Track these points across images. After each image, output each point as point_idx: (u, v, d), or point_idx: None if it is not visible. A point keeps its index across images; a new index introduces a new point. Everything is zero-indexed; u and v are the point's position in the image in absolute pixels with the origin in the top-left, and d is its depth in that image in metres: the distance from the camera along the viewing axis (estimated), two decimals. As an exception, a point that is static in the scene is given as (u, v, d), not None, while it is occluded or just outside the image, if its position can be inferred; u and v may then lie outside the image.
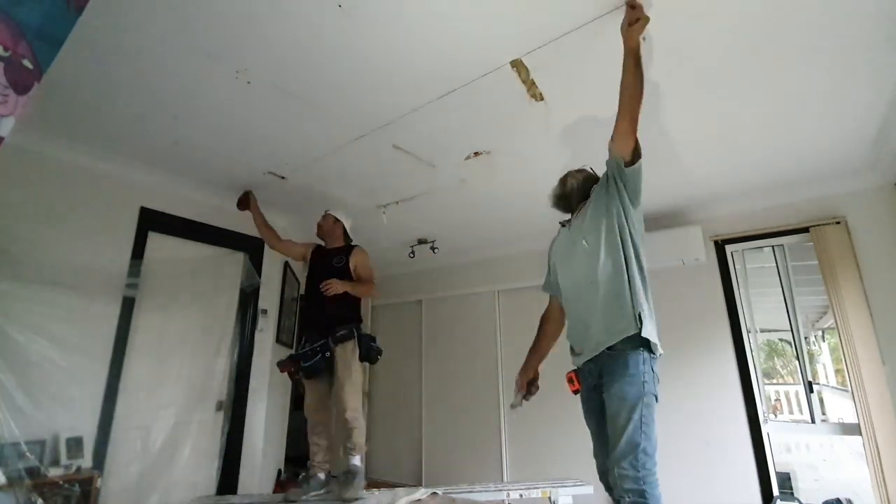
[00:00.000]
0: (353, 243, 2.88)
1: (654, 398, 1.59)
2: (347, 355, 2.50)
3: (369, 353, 2.62)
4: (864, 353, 2.83)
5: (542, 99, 2.15)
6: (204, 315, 3.14)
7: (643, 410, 1.54)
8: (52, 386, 2.36)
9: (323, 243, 2.89)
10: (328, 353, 2.49)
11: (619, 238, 1.71)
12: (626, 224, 1.72)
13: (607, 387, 1.63)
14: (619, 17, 1.61)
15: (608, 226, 1.73)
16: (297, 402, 5.63)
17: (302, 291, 4.94)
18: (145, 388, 2.77)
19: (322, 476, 2.54)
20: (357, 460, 2.43)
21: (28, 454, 2.16)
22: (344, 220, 2.88)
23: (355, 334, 2.57)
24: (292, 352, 2.68)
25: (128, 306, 2.74)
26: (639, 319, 1.59)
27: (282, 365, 2.62)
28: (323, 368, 2.50)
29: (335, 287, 2.51)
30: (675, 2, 1.60)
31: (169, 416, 2.85)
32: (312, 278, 2.69)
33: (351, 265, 2.70)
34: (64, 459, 2.29)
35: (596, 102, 2.20)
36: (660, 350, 1.62)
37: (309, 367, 2.48)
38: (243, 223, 3.47)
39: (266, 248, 3.61)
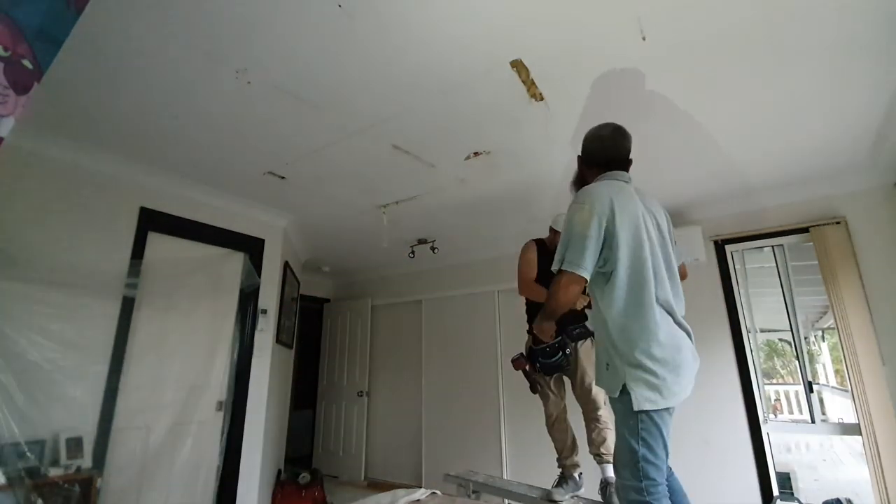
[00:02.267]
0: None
1: (664, 411, 1.44)
2: (587, 352, 2.50)
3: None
4: (863, 353, 2.83)
5: (542, 99, 2.15)
6: (204, 315, 3.13)
7: (640, 415, 1.41)
8: (52, 386, 2.36)
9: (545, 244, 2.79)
10: (567, 351, 2.46)
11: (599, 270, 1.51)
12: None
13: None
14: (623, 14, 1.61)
15: None
16: (296, 402, 5.66)
17: (303, 291, 4.96)
18: (145, 388, 2.76)
19: (578, 477, 2.52)
20: (611, 470, 2.31)
21: (28, 454, 2.16)
22: None
23: (590, 332, 2.55)
24: (521, 351, 2.57)
25: (128, 306, 2.73)
26: (622, 386, 1.43)
27: (517, 361, 2.54)
28: (561, 365, 2.48)
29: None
30: (674, 1, 1.60)
31: (169, 416, 2.84)
32: (545, 279, 2.50)
33: None
34: (64, 459, 2.28)
35: (596, 102, 2.20)
36: (661, 405, 1.41)
37: (550, 364, 2.46)
38: (243, 223, 3.47)
39: (266, 247, 3.62)
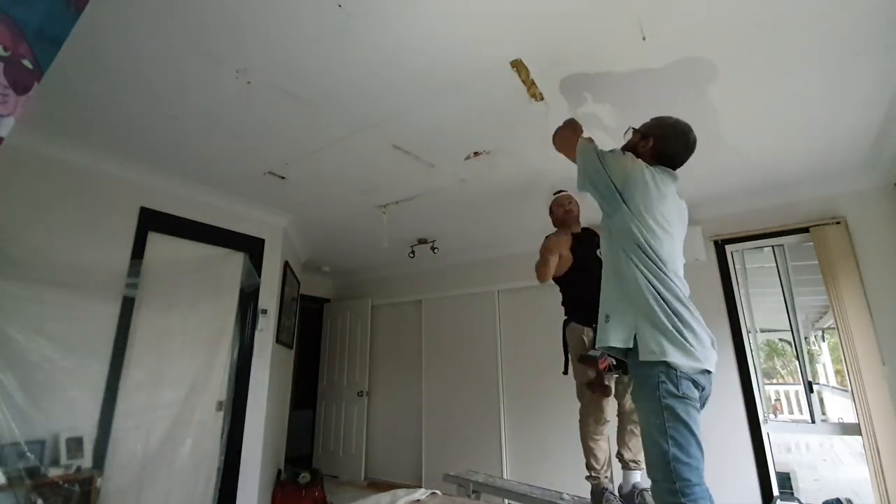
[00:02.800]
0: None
1: (684, 400, 1.38)
2: None
3: None
4: (863, 352, 2.83)
5: (541, 99, 2.15)
6: (204, 315, 3.13)
7: (665, 413, 1.37)
8: (52, 386, 2.36)
9: (572, 230, 2.54)
10: None
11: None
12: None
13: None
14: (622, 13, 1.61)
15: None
16: (296, 401, 5.66)
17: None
18: (145, 388, 2.76)
19: (611, 488, 2.31)
20: (639, 476, 2.24)
21: (28, 454, 2.16)
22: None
23: None
24: (582, 352, 2.28)
25: (128, 306, 2.74)
26: (633, 335, 1.46)
27: (592, 360, 2.21)
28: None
29: None
30: (674, 2, 1.60)
31: (169, 416, 2.84)
32: (588, 267, 2.28)
33: None
34: (64, 459, 2.28)
35: (596, 102, 2.20)
36: (683, 367, 1.39)
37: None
38: (243, 223, 3.48)
39: (266, 247, 3.61)
